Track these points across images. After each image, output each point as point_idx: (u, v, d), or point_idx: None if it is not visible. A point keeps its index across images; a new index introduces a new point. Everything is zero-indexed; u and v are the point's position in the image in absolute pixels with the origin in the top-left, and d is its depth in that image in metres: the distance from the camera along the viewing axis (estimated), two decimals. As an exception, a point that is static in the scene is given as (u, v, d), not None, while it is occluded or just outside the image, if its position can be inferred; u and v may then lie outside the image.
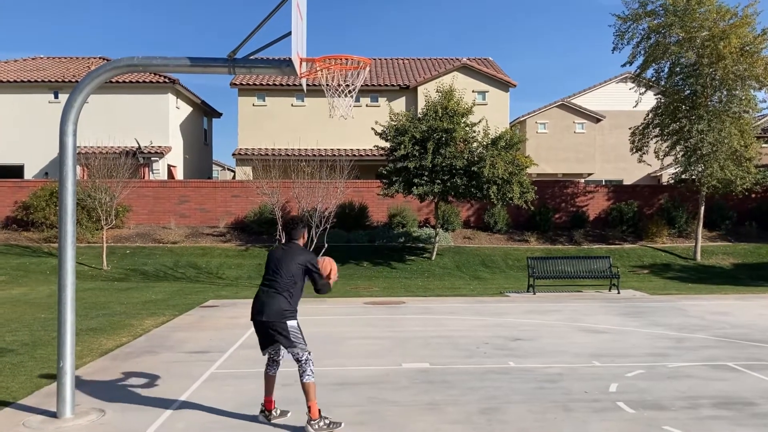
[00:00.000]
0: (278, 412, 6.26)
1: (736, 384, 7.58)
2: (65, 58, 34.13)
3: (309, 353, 5.95)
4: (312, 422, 5.81)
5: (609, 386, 7.47)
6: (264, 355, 6.24)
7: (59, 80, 29.77)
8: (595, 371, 8.23)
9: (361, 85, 7.02)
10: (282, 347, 6.05)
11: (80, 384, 7.37)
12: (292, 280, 5.96)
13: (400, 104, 30.51)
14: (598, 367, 8.49)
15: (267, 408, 6.20)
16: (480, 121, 22.17)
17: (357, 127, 28.61)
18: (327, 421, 5.88)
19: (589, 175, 33.80)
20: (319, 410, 5.90)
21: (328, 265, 6.29)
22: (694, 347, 9.79)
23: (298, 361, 5.89)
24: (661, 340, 10.41)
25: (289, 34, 6.19)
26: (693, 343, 10.10)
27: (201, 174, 35.65)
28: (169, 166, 30.45)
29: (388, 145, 22.21)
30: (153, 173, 29.05)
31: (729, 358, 9.03)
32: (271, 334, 5.94)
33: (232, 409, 6.55)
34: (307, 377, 5.84)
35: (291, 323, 5.91)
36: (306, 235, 6.40)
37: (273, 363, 6.24)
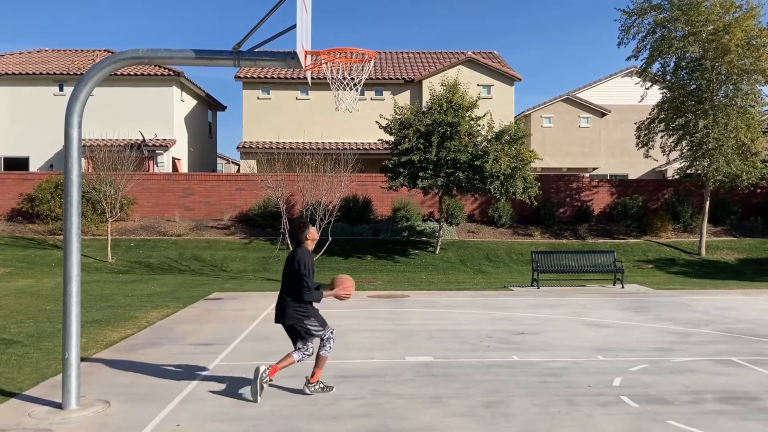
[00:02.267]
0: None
1: (740, 379, 7.57)
2: (70, 50, 34.14)
3: (331, 332, 6.86)
4: (310, 385, 6.86)
5: (613, 380, 7.47)
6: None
7: (64, 73, 29.80)
8: (599, 365, 8.23)
9: (366, 79, 7.02)
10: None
11: (85, 375, 7.41)
12: (295, 284, 6.67)
13: (404, 98, 30.45)
14: (602, 361, 8.48)
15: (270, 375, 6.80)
16: (485, 115, 22.12)
17: (361, 120, 28.60)
18: (322, 385, 6.93)
19: (594, 169, 33.73)
20: (319, 378, 6.97)
21: (342, 282, 6.83)
22: (698, 342, 9.78)
23: (321, 339, 6.85)
24: (665, 334, 10.40)
25: (294, 26, 6.18)
26: (697, 338, 10.08)
27: (205, 167, 35.70)
28: (173, 158, 30.49)
29: (392, 138, 22.19)
30: (157, 166, 29.09)
31: (733, 353, 9.02)
32: (295, 333, 6.82)
33: (237, 401, 6.57)
34: (323, 351, 6.84)
35: (307, 321, 6.72)
36: (311, 234, 6.81)
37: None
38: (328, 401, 6.56)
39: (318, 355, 6.82)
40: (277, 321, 6.75)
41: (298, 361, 6.75)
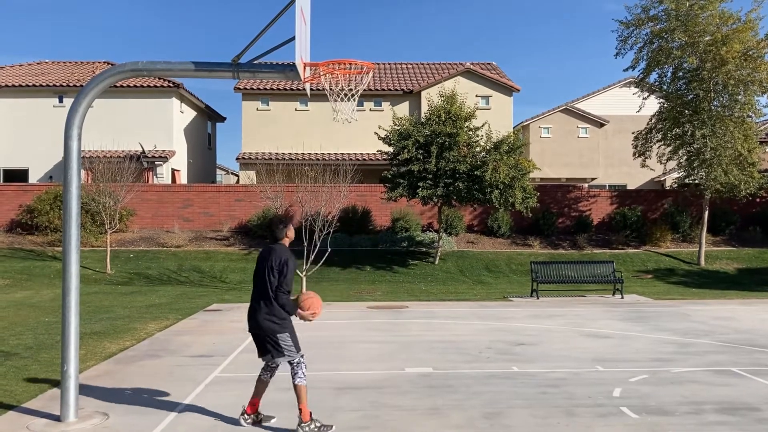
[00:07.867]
0: (259, 416, 6.20)
1: (740, 389, 7.56)
2: (70, 62, 34.25)
3: (301, 356, 5.98)
4: (303, 425, 5.82)
5: (612, 391, 7.45)
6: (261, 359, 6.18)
7: (64, 84, 29.88)
8: (598, 376, 8.21)
9: (365, 90, 7.05)
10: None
11: (84, 387, 7.38)
12: (271, 284, 5.87)
13: (403, 109, 30.52)
14: (602, 372, 8.47)
15: (248, 411, 6.17)
16: (483, 126, 22.19)
17: (361, 131, 28.66)
18: (318, 424, 5.87)
19: (593, 179, 33.76)
20: (310, 413, 5.91)
21: (308, 302, 6.04)
22: (697, 352, 9.77)
23: (290, 364, 5.94)
24: (664, 345, 10.38)
25: (293, 38, 6.22)
26: (697, 348, 10.07)
27: (205, 178, 35.72)
28: (173, 170, 30.52)
29: (391, 149, 22.23)
30: (157, 177, 29.11)
31: (733, 363, 9.00)
32: (264, 344, 6.01)
33: (235, 413, 6.54)
34: (298, 379, 5.88)
35: (280, 335, 5.89)
36: (291, 232, 6.14)
37: (267, 368, 6.20)
38: (328, 413, 6.53)
39: (294, 386, 5.87)
40: (249, 329, 6.09)
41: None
